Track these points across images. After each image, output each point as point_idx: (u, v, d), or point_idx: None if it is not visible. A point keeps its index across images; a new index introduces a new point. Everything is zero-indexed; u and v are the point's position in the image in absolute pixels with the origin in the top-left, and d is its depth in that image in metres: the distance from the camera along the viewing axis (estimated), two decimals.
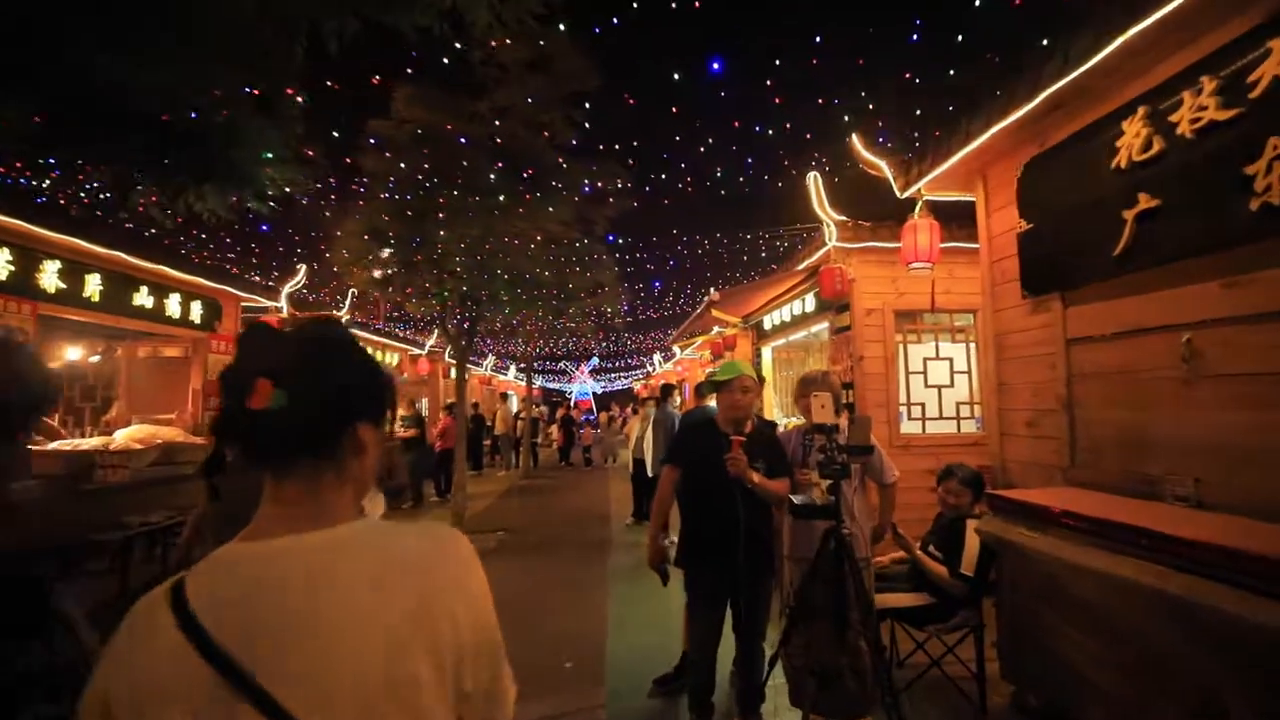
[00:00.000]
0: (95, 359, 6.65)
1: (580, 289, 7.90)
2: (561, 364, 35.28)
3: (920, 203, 3.94)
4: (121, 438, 5.09)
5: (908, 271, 4.13)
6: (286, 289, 7.28)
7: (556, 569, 6.55)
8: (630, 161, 7.86)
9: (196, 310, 6.20)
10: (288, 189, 3.14)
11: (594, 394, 49.57)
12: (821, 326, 6.60)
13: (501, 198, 6.84)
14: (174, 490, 5.23)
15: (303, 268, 7.44)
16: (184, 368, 6.58)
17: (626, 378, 36.35)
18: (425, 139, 6.82)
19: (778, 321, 7.49)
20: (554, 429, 20.68)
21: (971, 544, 3.28)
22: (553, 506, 10.44)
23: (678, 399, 8.32)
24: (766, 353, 8.41)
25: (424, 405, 14.30)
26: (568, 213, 7.42)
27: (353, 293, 9.25)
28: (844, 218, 5.11)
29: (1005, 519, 2.68)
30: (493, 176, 6.73)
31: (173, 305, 5.87)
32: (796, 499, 2.48)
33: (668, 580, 3.01)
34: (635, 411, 17.28)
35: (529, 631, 4.75)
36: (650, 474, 8.29)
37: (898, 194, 3.92)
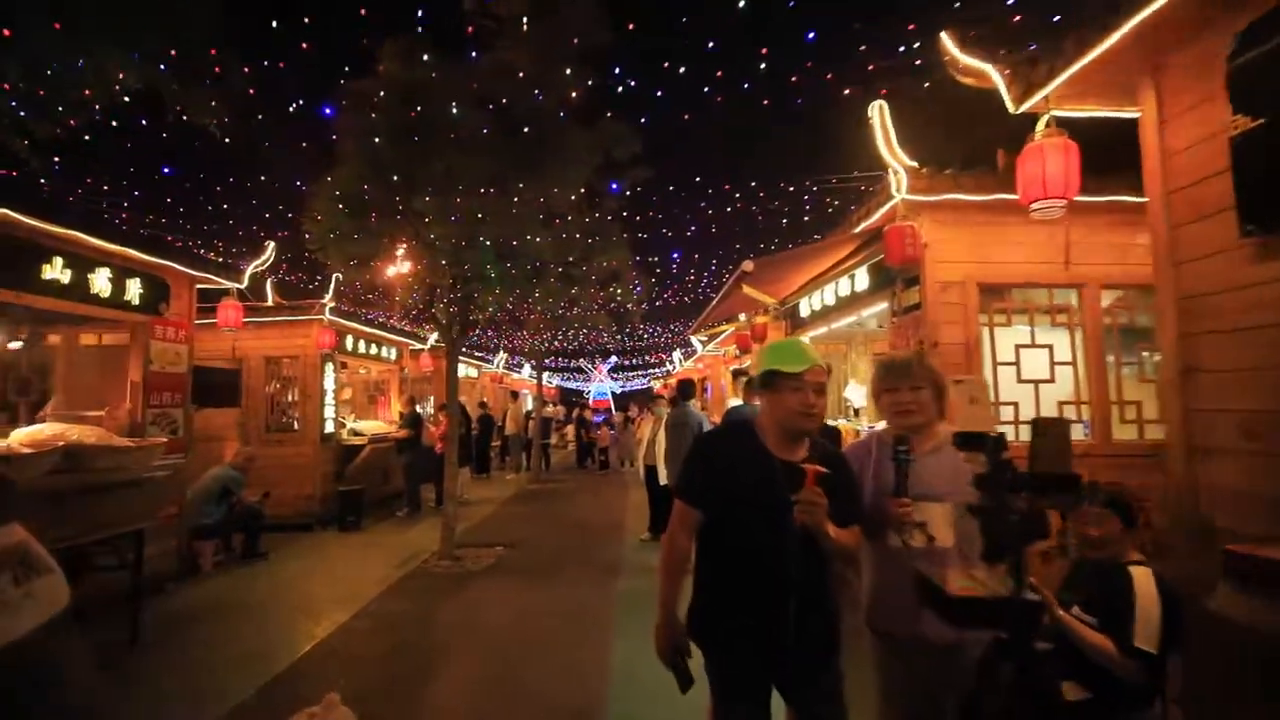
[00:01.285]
0: (16, 345, 5.78)
1: (583, 262, 6.88)
2: (579, 362, 34.31)
3: (1046, 117, 2.81)
4: (14, 440, 4.18)
5: (1029, 214, 2.98)
6: (250, 268, 6.35)
7: (556, 598, 5.49)
8: (642, 120, 6.72)
9: (134, 289, 5.27)
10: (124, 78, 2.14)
11: (613, 394, 48.61)
12: (874, 310, 5.48)
13: (493, 162, 5.84)
14: (86, 504, 4.29)
15: (270, 245, 6.50)
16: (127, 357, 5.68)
17: (645, 376, 35.22)
18: (406, 96, 5.86)
19: (818, 306, 6.36)
20: (569, 429, 19.71)
21: (1147, 604, 2.16)
22: (561, 516, 9.42)
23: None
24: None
25: (430, 404, 13.38)
26: (570, 182, 6.41)
27: (336, 277, 8.32)
28: (915, 163, 3.98)
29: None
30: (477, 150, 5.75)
31: (100, 282, 4.94)
32: (960, 583, 1.36)
33: (689, 684, 1.93)
34: (650, 410, 16.25)
35: (506, 698, 3.70)
36: (664, 482, 7.24)
37: (1011, 108, 2.79)
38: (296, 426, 8.56)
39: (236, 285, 6.34)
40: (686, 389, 6.74)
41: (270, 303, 9.04)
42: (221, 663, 4.20)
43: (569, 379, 48.75)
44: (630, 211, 7.74)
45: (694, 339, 14.85)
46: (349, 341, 9.51)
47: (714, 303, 5.37)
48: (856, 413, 7.81)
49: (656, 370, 32.57)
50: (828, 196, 6.63)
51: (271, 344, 8.64)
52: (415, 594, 5.58)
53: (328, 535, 8.16)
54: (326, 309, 8.40)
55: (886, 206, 4.14)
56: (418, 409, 10.01)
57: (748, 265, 4.23)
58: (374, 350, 10.43)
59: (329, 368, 8.77)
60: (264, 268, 6.52)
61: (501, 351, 19.87)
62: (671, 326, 19.06)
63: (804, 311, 6.83)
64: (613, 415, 16.82)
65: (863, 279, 5.19)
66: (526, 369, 25.09)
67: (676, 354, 20.60)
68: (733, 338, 10.47)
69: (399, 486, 10.49)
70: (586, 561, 6.73)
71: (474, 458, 14.89)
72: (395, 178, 5.82)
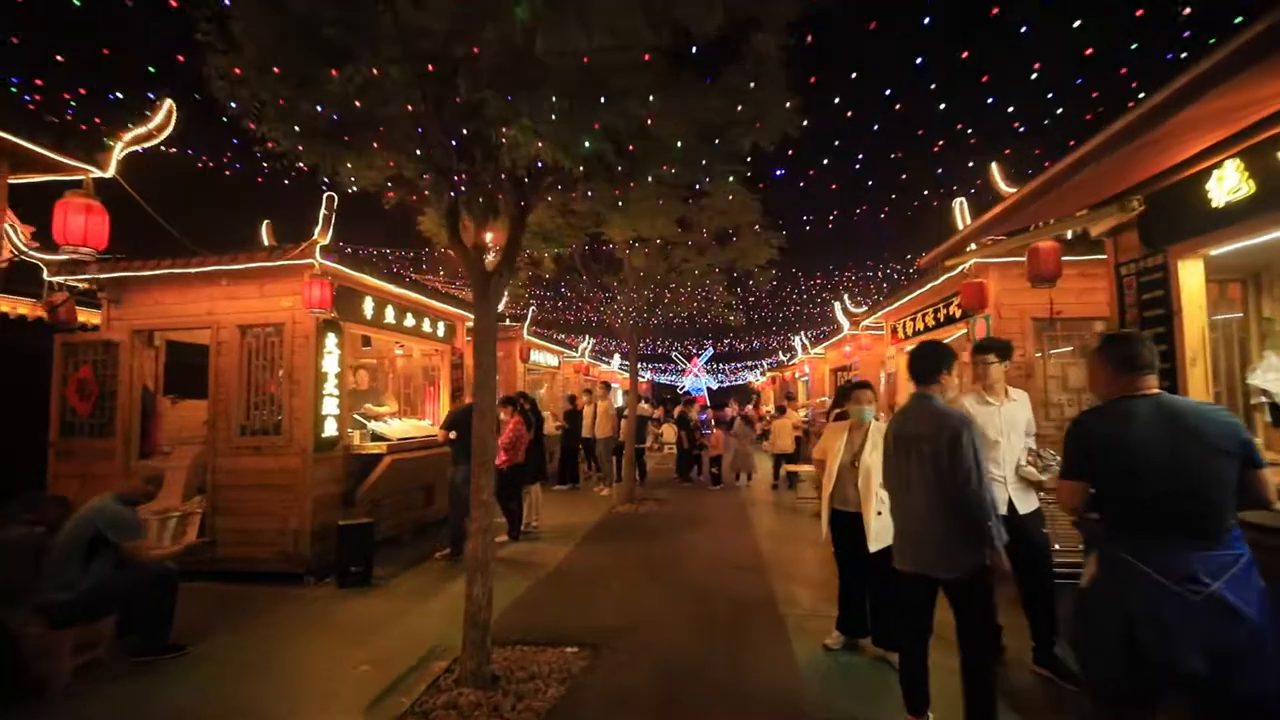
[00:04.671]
0: None
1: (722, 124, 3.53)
2: (674, 347, 30.91)
3: None
4: None
5: None
6: (124, 143, 3.44)
7: None
8: None
9: None
10: None
11: (708, 389, 45.03)
12: None
13: None
14: None
15: (167, 104, 3.58)
16: None
17: (756, 367, 31.21)
18: None
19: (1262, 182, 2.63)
20: (666, 429, 16.46)
21: None
22: (671, 570, 6.09)
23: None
24: (1192, 273, 3.51)
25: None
26: None
27: (328, 197, 5.40)
28: None
29: None
30: None
31: None
32: None
33: None
34: (780, 411, 12.60)
35: None
36: (876, 546, 3.74)
37: None
38: (282, 429, 5.76)
39: (94, 172, 3.44)
40: (931, 361, 3.05)
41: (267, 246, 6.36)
42: None
43: (660, 372, 45.71)
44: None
45: (840, 312, 11.07)
46: (367, 306, 6.64)
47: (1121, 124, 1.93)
48: (1277, 416, 3.94)
49: (763, 362, 28.66)
50: None
51: (247, 306, 5.91)
52: None
53: (316, 596, 5.28)
54: (317, 250, 5.51)
55: None
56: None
57: None
58: (410, 321, 7.56)
59: (329, 340, 5.91)
60: (153, 142, 3.59)
61: (587, 338, 16.91)
62: (826, 284, 14.83)
63: (1219, 194, 3.08)
64: (726, 411, 13.32)
65: None
66: (616, 360, 22.11)
67: (798, 339, 16.77)
68: (944, 290, 6.72)
69: (430, 513, 7.64)
70: (742, 710, 3.35)
71: (561, 467, 11.99)
72: None
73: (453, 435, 6.70)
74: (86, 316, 6.49)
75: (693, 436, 12.42)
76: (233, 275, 5.84)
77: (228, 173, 5.65)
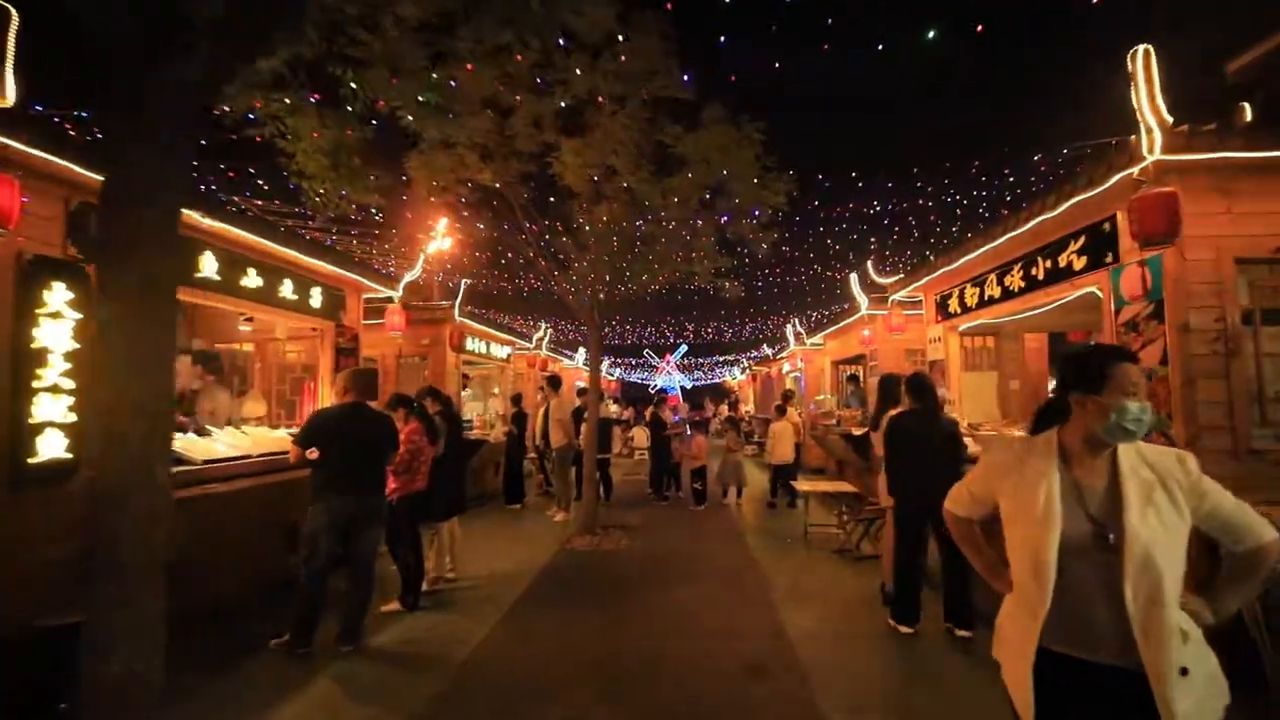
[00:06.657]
0: None
1: None
2: (644, 350, 28.62)
3: None
4: None
5: None
6: None
7: None
8: None
9: None
10: None
11: (682, 389, 42.93)
12: None
13: None
14: None
15: None
16: None
17: (734, 362, 28.96)
18: None
19: None
20: (638, 432, 14.13)
21: None
22: (643, 685, 3.70)
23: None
24: None
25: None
26: None
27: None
28: None
29: None
30: None
31: None
32: None
33: None
34: (780, 411, 10.13)
35: None
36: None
37: None
38: None
39: None
40: None
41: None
42: None
43: (630, 365, 43.47)
44: None
45: (857, 287, 8.83)
46: (211, 262, 4.11)
47: None
48: None
49: (746, 356, 26.52)
50: None
51: None
52: None
53: None
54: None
55: None
56: (354, 400, 4.61)
57: None
58: (254, 281, 5.01)
59: (53, 293, 3.39)
60: None
61: (545, 327, 14.41)
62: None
63: None
64: (707, 411, 10.99)
65: None
66: (581, 354, 19.66)
67: (790, 329, 14.53)
68: (1059, 226, 4.46)
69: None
70: None
71: (506, 483, 9.61)
72: None
73: (312, 454, 4.26)
74: None
75: (668, 443, 10.02)
76: None
77: None
